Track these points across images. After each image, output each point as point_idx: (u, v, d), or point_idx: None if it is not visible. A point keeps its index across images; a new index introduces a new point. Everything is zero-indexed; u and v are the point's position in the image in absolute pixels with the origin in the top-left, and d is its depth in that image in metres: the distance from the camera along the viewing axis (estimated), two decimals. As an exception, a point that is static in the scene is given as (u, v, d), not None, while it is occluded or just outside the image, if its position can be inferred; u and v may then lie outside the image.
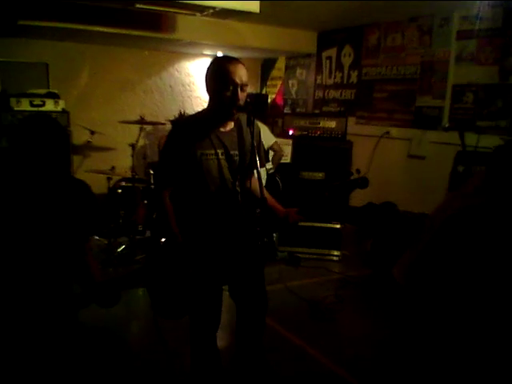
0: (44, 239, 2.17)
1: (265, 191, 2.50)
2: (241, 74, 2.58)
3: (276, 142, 5.87)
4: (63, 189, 2.29)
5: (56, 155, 2.23)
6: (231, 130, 2.66)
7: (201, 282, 2.55)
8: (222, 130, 2.61)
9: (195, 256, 2.55)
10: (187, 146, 2.52)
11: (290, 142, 6.06)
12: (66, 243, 2.24)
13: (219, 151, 2.57)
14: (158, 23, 5.52)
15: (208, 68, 2.60)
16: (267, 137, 5.23)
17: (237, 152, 2.63)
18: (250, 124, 2.44)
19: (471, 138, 4.17)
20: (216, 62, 2.64)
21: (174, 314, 2.63)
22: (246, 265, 2.71)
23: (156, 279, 2.55)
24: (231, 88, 2.52)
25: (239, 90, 2.55)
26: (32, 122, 2.24)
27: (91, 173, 5.19)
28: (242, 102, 2.56)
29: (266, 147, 3.92)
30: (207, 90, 2.61)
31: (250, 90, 8.30)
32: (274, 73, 8.06)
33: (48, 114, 2.39)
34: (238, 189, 2.66)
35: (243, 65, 2.62)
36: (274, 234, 6.08)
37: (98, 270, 2.51)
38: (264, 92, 8.21)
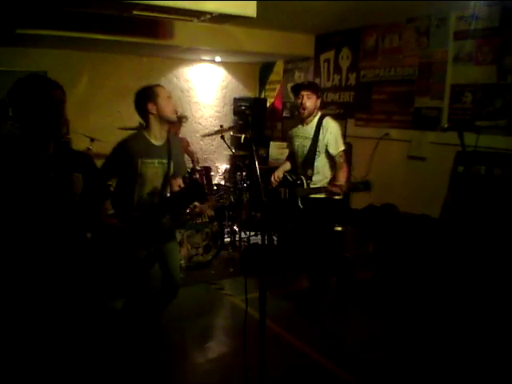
0: (47, 211, 2.20)
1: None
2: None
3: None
4: (65, 159, 2.32)
5: (44, 117, 2.23)
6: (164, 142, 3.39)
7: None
8: (157, 144, 3.37)
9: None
10: (131, 155, 3.24)
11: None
12: (70, 214, 2.29)
13: (155, 160, 3.29)
14: (155, 30, 5.53)
15: None
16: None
17: (166, 160, 3.33)
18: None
19: (470, 138, 4.16)
20: None
21: None
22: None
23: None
24: None
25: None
26: (20, 84, 2.33)
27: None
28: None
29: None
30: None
31: (248, 94, 8.36)
32: (273, 77, 8.08)
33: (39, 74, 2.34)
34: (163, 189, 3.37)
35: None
36: (275, 238, 6.10)
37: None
38: (263, 96, 8.23)
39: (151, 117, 3.30)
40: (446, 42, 5.11)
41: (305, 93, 4.19)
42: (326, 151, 4.17)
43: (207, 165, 6.43)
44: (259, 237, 5.76)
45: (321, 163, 4.18)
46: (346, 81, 6.53)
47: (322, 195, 4.08)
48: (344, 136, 5.65)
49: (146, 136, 3.31)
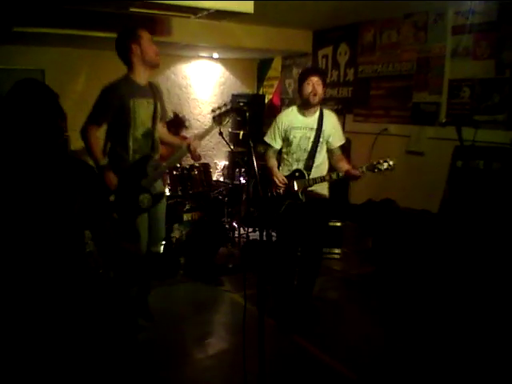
0: (44, 224, 2.00)
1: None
2: None
3: None
4: (62, 169, 2.10)
5: (45, 122, 2.09)
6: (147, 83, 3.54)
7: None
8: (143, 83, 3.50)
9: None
10: (122, 96, 3.36)
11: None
12: (69, 228, 2.07)
13: (144, 100, 3.41)
14: (153, 26, 5.51)
15: None
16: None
17: (152, 100, 3.47)
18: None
19: (469, 133, 4.16)
20: None
21: None
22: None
23: None
24: None
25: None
26: (18, 88, 2.20)
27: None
28: None
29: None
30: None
31: (246, 90, 8.34)
32: (271, 73, 8.07)
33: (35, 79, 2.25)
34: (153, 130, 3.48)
35: None
36: (274, 234, 6.10)
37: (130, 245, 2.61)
38: (261, 92, 8.22)
39: (135, 58, 3.41)
40: (444, 36, 5.11)
41: (315, 78, 3.93)
42: (327, 143, 4.02)
43: (206, 161, 6.42)
44: (258, 233, 5.76)
45: (322, 155, 4.00)
46: (345, 76, 6.53)
47: (324, 190, 4.02)
48: (343, 131, 5.67)
49: (131, 77, 3.42)
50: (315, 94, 3.92)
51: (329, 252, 5.50)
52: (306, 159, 3.94)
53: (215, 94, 8.04)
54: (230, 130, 7.34)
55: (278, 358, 3.40)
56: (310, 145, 3.94)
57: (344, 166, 3.90)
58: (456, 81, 5.03)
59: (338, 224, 5.53)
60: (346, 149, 5.67)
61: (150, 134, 3.44)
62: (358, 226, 5.81)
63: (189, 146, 3.50)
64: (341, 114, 6.16)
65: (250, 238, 5.95)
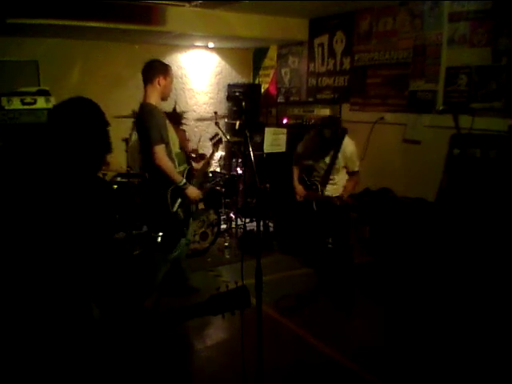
0: (61, 239, 1.90)
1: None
2: None
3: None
4: (89, 189, 2.01)
5: (95, 149, 1.95)
6: None
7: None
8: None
9: None
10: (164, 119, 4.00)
11: (285, 130, 6.04)
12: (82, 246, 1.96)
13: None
14: (147, 16, 5.47)
15: None
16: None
17: None
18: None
19: (466, 121, 4.15)
20: None
21: None
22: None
23: None
24: None
25: None
26: (74, 107, 1.98)
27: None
28: None
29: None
30: None
31: (242, 80, 8.31)
32: (266, 62, 8.03)
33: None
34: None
35: None
36: (271, 224, 6.10)
37: None
38: (257, 82, 8.18)
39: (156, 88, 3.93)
40: (440, 24, 5.08)
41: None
42: (345, 166, 4.77)
43: (202, 152, 6.39)
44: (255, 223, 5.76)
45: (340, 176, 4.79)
46: (341, 65, 6.49)
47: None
48: (339, 120, 5.66)
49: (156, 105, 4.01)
50: None
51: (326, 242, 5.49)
52: (325, 177, 4.79)
53: (211, 83, 8.00)
54: (226, 120, 7.31)
55: (276, 347, 3.41)
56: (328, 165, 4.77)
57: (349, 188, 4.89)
58: (453, 68, 5.00)
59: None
60: (343, 138, 5.69)
61: (181, 148, 4.17)
62: (355, 215, 5.80)
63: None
64: (337, 102, 6.16)
65: (247, 228, 5.95)
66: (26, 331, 1.89)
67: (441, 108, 4.76)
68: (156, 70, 3.90)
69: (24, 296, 1.89)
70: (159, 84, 3.89)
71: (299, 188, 4.87)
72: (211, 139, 4.64)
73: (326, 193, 4.68)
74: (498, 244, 3.90)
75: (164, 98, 4.02)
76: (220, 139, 4.53)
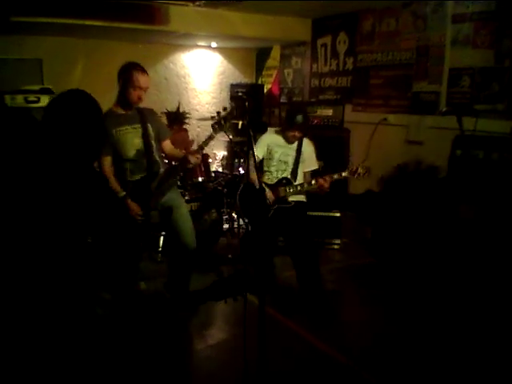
0: (55, 229, 1.96)
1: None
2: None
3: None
4: (84, 179, 2.08)
5: (91, 140, 2.02)
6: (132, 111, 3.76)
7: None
8: (127, 113, 3.74)
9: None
10: (107, 128, 3.52)
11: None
12: (76, 236, 2.05)
13: (128, 126, 3.69)
14: (151, 15, 5.48)
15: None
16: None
17: (139, 124, 3.74)
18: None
19: (469, 122, 4.15)
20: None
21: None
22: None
23: None
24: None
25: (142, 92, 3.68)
26: (72, 102, 2.02)
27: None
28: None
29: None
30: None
31: (245, 80, 8.31)
32: (270, 62, 8.03)
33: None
34: (147, 149, 3.75)
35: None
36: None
37: None
38: (260, 82, 8.18)
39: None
40: (443, 25, 5.08)
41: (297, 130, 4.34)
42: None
43: (204, 152, 6.39)
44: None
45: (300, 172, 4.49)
46: (344, 65, 6.50)
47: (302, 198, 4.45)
48: (342, 121, 5.66)
49: (113, 110, 3.75)
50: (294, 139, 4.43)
51: (328, 242, 5.50)
52: (293, 173, 4.48)
53: (214, 83, 8.00)
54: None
55: (277, 346, 3.41)
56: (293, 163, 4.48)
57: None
58: (456, 70, 5.00)
59: (338, 214, 5.51)
60: (345, 139, 5.69)
61: (141, 154, 3.75)
62: (358, 216, 5.81)
63: (186, 157, 3.75)
64: (340, 103, 6.15)
65: (250, 228, 5.94)
66: (27, 324, 1.90)
67: (444, 109, 4.75)
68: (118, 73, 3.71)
69: (24, 289, 1.90)
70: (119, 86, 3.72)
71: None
72: (213, 117, 4.33)
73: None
74: (501, 245, 3.90)
75: (124, 102, 3.70)
76: (226, 115, 3.75)
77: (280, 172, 4.50)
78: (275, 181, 4.47)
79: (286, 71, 7.66)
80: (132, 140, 3.72)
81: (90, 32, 5.91)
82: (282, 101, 7.70)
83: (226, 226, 6.07)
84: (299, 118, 4.30)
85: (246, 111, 2.97)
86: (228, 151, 7.44)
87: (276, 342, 3.42)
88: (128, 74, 3.64)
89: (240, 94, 7.30)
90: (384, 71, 5.87)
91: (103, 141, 2.08)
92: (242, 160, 6.32)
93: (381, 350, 3.52)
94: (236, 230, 6.09)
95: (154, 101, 7.24)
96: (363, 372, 3.26)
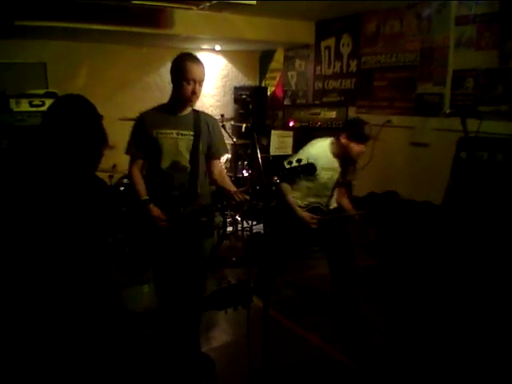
0: (58, 238, 1.94)
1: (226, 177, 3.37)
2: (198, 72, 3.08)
3: None
4: (85, 187, 2.06)
5: (91, 147, 1.99)
6: (186, 114, 3.22)
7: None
8: (178, 114, 3.21)
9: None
10: (146, 127, 3.16)
11: (291, 133, 6.04)
12: (82, 244, 2.02)
13: (174, 131, 3.14)
14: (155, 19, 5.50)
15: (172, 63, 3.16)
16: None
17: (192, 132, 3.15)
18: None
19: (473, 124, 4.14)
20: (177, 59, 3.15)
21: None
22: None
23: None
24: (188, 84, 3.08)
25: (197, 85, 3.08)
26: (65, 106, 1.99)
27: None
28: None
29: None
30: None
31: (249, 82, 8.31)
32: (273, 65, 8.04)
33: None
34: (193, 165, 3.14)
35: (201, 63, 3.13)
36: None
37: None
38: (263, 84, 8.19)
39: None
40: (447, 27, 5.07)
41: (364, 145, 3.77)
42: None
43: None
44: (261, 226, 5.76)
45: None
46: (347, 67, 6.49)
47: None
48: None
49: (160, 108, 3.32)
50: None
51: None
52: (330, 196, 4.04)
53: (217, 86, 8.02)
54: (232, 122, 7.32)
55: (281, 349, 3.40)
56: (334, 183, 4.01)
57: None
58: (460, 71, 4.99)
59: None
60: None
61: (180, 168, 3.13)
62: (361, 217, 5.79)
63: (232, 194, 3.09)
64: (344, 105, 6.15)
65: (254, 231, 5.95)
66: (27, 327, 1.90)
67: (448, 111, 4.74)
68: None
69: (22, 297, 1.91)
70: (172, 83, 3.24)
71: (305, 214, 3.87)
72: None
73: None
74: (505, 247, 3.89)
75: (177, 100, 3.21)
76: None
77: (314, 197, 3.92)
78: (304, 205, 3.90)
79: (289, 74, 7.66)
80: (174, 147, 3.13)
81: (93, 36, 5.93)
82: (285, 103, 7.70)
83: (229, 228, 6.08)
84: (368, 129, 3.72)
85: (250, 114, 2.90)
86: (232, 153, 7.44)
87: (279, 343, 3.42)
88: (180, 65, 3.11)
89: (244, 96, 7.32)
90: (388, 73, 5.87)
91: (103, 146, 2.05)
92: (245, 162, 6.33)
93: (383, 350, 3.52)
94: (240, 232, 6.10)
95: (159, 104, 7.27)
96: (365, 372, 3.26)
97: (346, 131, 3.78)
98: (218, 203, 3.23)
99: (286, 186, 3.85)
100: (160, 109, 3.30)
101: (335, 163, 3.85)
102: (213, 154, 3.29)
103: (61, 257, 1.93)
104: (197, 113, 3.25)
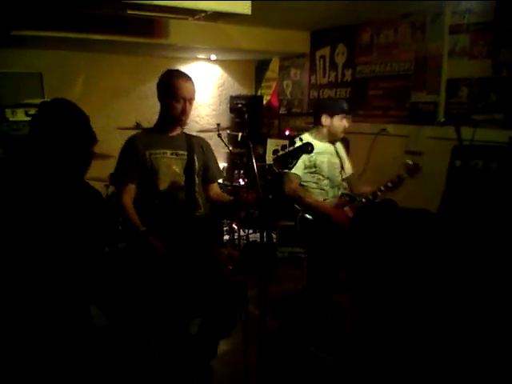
0: (52, 246, 1.98)
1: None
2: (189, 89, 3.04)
3: None
4: (76, 195, 2.09)
5: (78, 147, 2.03)
6: (178, 134, 3.14)
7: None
8: (170, 134, 3.12)
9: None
10: (137, 149, 3.00)
11: (287, 142, 6.06)
12: (75, 253, 2.04)
13: (167, 151, 3.03)
14: (150, 29, 5.52)
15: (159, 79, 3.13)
16: None
17: (186, 152, 3.06)
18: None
19: (467, 132, 4.16)
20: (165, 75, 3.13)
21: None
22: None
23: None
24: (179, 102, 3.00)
25: (187, 104, 3.01)
26: (50, 109, 2.05)
27: (89, 180, 5.16)
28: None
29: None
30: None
31: (245, 91, 8.34)
32: (269, 74, 8.07)
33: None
34: (188, 185, 3.03)
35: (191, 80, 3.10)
36: (274, 235, 6.09)
37: None
38: (259, 93, 8.23)
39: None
40: (441, 36, 5.12)
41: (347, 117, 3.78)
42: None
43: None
44: (258, 234, 5.76)
45: None
46: (342, 77, 6.53)
47: None
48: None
49: (151, 129, 3.22)
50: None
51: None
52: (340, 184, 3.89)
53: (213, 95, 8.04)
54: (228, 131, 7.35)
55: (278, 358, 3.41)
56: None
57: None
58: (453, 80, 5.03)
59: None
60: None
61: (179, 189, 3.01)
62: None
63: (239, 200, 3.06)
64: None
65: (250, 239, 5.96)
66: (23, 334, 1.90)
67: (442, 120, 4.77)
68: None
69: (18, 300, 1.91)
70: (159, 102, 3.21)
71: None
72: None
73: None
74: (500, 255, 3.90)
75: (167, 120, 3.16)
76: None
77: (331, 190, 3.75)
78: (332, 200, 3.70)
79: (284, 83, 7.70)
80: (169, 168, 3.01)
81: (90, 45, 5.95)
82: (281, 112, 7.73)
83: (226, 237, 6.09)
84: (344, 103, 3.67)
85: (246, 123, 2.84)
86: (228, 162, 7.46)
87: (276, 352, 3.42)
88: (168, 82, 3.07)
89: (240, 105, 7.35)
90: (383, 82, 5.91)
91: (92, 144, 2.09)
92: (241, 171, 6.34)
93: (375, 355, 3.52)
94: (236, 241, 6.11)
95: (155, 113, 7.28)
96: (361, 376, 3.27)
97: (324, 111, 3.78)
98: (222, 211, 3.24)
99: (298, 188, 3.66)
100: (150, 131, 3.24)
101: (328, 146, 3.82)
102: (211, 179, 3.27)
103: (47, 262, 1.94)
104: (188, 135, 3.22)
